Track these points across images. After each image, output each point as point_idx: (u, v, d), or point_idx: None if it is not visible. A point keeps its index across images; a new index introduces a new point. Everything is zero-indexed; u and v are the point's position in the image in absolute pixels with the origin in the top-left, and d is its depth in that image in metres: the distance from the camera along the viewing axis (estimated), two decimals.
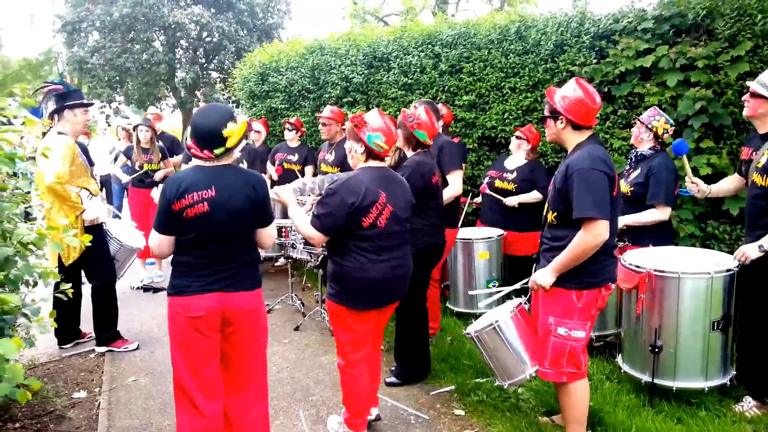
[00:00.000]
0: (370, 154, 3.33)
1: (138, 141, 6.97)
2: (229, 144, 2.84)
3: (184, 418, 2.95)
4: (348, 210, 3.16)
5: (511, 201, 5.32)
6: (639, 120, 4.36)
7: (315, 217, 3.22)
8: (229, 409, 3.03)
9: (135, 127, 7.11)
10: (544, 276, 3.11)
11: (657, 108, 4.45)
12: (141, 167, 6.96)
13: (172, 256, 2.98)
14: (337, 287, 3.32)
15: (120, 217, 6.35)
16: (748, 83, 3.67)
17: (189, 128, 2.94)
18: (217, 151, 2.84)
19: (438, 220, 4.19)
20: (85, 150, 6.26)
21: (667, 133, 4.32)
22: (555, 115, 3.13)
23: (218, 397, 2.97)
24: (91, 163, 6.38)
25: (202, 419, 2.90)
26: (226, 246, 2.89)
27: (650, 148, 4.33)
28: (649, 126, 4.27)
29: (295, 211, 3.46)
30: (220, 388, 2.99)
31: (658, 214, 4.19)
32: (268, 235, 3.10)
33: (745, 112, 3.70)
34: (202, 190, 2.79)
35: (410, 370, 4.30)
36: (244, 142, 7.12)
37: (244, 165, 6.10)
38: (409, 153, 4.15)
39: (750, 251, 3.51)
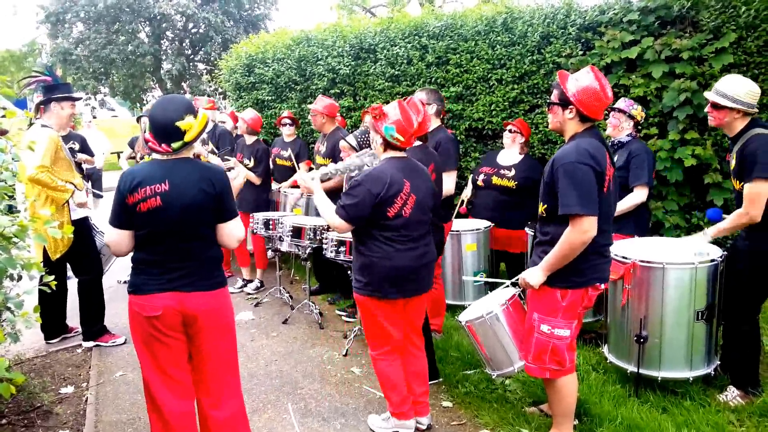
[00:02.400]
0: (389, 144, 3.34)
1: (143, 132, 6.85)
2: (187, 138, 2.74)
3: (153, 417, 2.90)
4: (374, 200, 3.17)
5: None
6: (618, 109, 4.41)
7: (341, 207, 3.22)
8: (202, 408, 2.98)
9: (139, 119, 6.99)
10: (534, 275, 3.06)
11: (626, 98, 4.55)
12: (142, 158, 6.81)
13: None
14: (364, 278, 3.32)
15: (102, 196, 6.27)
16: (706, 94, 3.61)
17: (146, 121, 2.84)
18: (175, 145, 2.73)
19: (437, 217, 4.19)
20: (83, 141, 6.22)
21: (643, 119, 4.48)
22: (565, 103, 2.99)
23: (189, 397, 2.91)
24: (91, 154, 6.34)
25: (168, 419, 2.85)
26: (181, 242, 2.78)
27: (627, 135, 4.42)
28: (630, 113, 4.34)
29: (321, 198, 3.46)
30: (188, 388, 2.91)
31: (638, 196, 4.27)
32: (229, 232, 2.91)
33: (711, 123, 3.64)
34: (155, 183, 2.70)
35: None
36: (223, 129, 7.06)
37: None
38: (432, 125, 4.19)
39: (698, 240, 3.77)
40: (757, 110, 3.51)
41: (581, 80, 2.94)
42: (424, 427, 3.59)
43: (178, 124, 2.69)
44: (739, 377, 3.70)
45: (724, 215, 3.83)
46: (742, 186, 3.45)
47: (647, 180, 4.25)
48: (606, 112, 4.34)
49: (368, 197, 3.17)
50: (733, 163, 3.54)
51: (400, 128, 3.26)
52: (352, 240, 3.56)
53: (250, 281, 6.67)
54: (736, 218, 3.49)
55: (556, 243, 2.93)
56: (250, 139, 6.51)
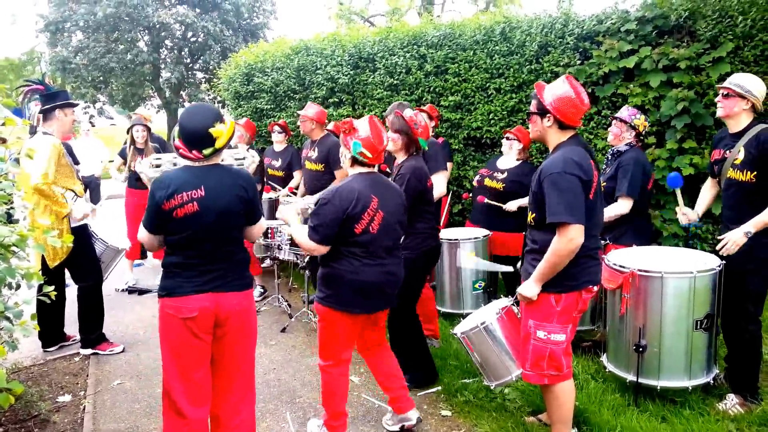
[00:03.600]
0: (356, 160, 3.34)
1: (133, 141, 6.85)
2: (218, 144, 2.84)
3: (169, 424, 2.93)
4: (342, 217, 3.17)
5: (511, 206, 5.18)
6: (619, 118, 4.41)
7: (311, 229, 3.21)
8: (217, 412, 3.02)
9: (130, 128, 6.99)
10: (528, 288, 3.07)
11: (630, 107, 4.54)
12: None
13: (163, 257, 2.97)
14: (328, 290, 3.31)
15: (100, 205, 6.27)
16: (718, 85, 3.72)
17: (176, 128, 2.92)
18: (206, 152, 2.83)
19: (435, 222, 4.20)
20: (70, 151, 6.20)
21: (646, 130, 4.44)
22: (542, 112, 3.07)
23: (205, 403, 2.95)
24: (76, 163, 6.33)
25: (186, 427, 2.88)
26: (216, 246, 2.87)
27: (626, 144, 4.40)
28: (632, 124, 4.34)
29: (296, 228, 3.45)
30: (207, 394, 2.96)
31: (620, 206, 4.25)
32: (256, 231, 3.14)
33: (719, 113, 3.71)
34: (191, 190, 2.78)
35: (416, 376, 4.21)
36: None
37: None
38: (400, 157, 4.12)
39: (738, 238, 3.48)
40: (762, 109, 3.60)
41: (557, 89, 3.04)
42: (413, 422, 3.62)
43: (210, 130, 2.79)
44: (739, 384, 3.71)
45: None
46: (754, 176, 3.50)
47: (630, 190, 4.20)
48: (612, 122, 4.41)
49: (336, 215, 3.16)
50: (740, 156, 3.56)
51: (367, 144, 3.27)
52: None
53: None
54: None
55: (544, 250, 2.98)
56: (242, 148, 6.53)
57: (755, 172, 3.52)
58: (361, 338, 3.60)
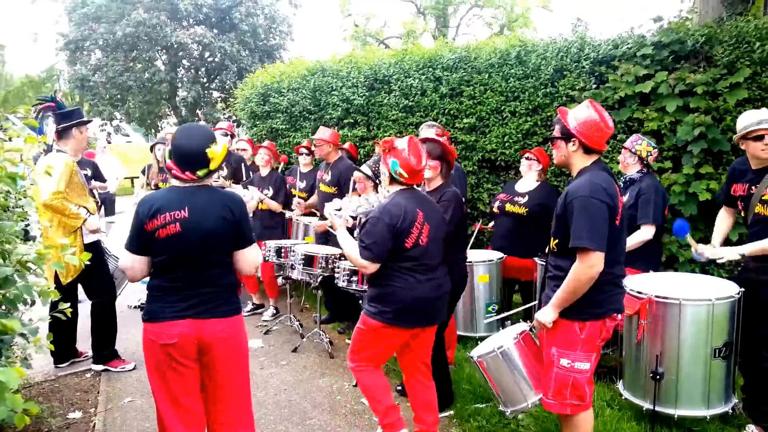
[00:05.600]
0: (393, 179, 3.38)
1: (156, 160, 6.77)
2: (212, 165, 2.79)
3: None
4: (393, 232, 3.20)
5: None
6: (623, 146, 4.45)
7: (364, 248, 3.22)
8: None
9: (153, 146, 7.00)
10: (546, 314, 3.03)
11: (638, 134, 4.55)
12: (156, 186, 6.63)
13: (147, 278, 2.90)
14: (382, 306, 3.31)
15: (114, 222, 6.31)
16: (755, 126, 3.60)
17: (167, 148, 2.87)
18: (200, 173, 2.78)
19: (464, 251, 4.22)
20: (95, 167, 6.27)
21: (651, 155, 4.42)
22: (567, 136, 3.05)
23: (199, 427, 2.88)
24: (103, 180, 6.40)
25: None
26: (199, 269, 2.78)
27: (638, 172, 4.44)
28: (633, 150, 4.36)
29: (347, 242, 3.43)
30: (200, 418, 2.88)
31: (644, 233, 4.26)
32: (247, 259, 2.93)
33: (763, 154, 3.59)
34: (174, 210, 2.71)
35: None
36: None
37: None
38: (436, 182, 4.01)
39: (731, 256, 3.62)
40: None
41: (581, 114, 3.04)
42: None
43: (207, 151, 2.74)
44: (759, 414, 3.63)
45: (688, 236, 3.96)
46: None
47: (653, 218, 4.24)
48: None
49: (387, 231, 3.19)
50: None
51: (404, 165, 3.29)
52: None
53: (261, 305, 6.68)
54: None
55: None
56: (265, 170, 6.54)
57: None
58: (407, 354, 3.57)
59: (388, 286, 3.29)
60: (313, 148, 6.23)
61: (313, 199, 6.47)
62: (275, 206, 6.33)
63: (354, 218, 4.29)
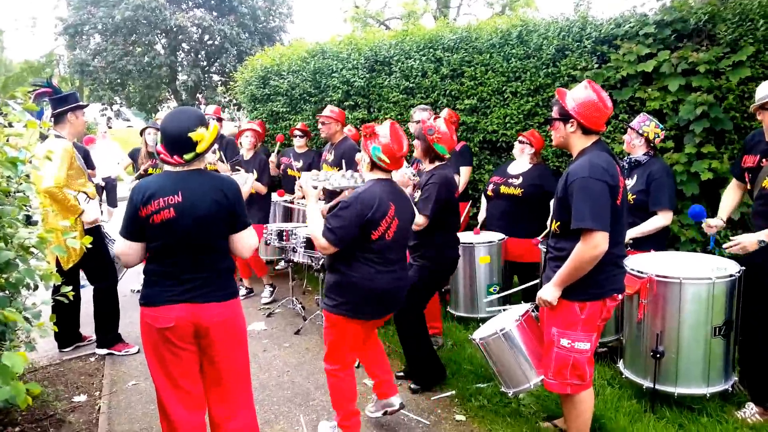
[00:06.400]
0: (375, 165, 3.37)
1: (146, 144, 6.70)
2: (199, 149, 2.76)
3: (164, 427, 2.91)
4: (362, 222, 3.19)
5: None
6: (630, 126, 4.38)
7: (328, 230, 3.19)
8: (214, 420, 2.97)
9: (142, 131, 6.96)
10: (548, 292, 3.04)
11: (645, 114, 4.48)
12: (146, 171, 6.59)
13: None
14: (341, 298, 3.32)
15: (116, 206, 6.31)
16: (759, 94, 3.58)
17: (158, 133, 2.88)
18: (187, 156, 2.75)
19: (456, 233, 4.23)
20: (86, 156, 6.25)
21: (659, 137, 4.36)
22: (565, 117, 3.04)
23: (199, 408, 2.90)
24: (92, 167, 6.37)
25: (179, 431, 2.85)
26: (195, 254, 2.78)
27: (644, 154, 4.36)
28: (640, 131, 4.30)
29: (314, 215, 3.38)
30: (200, 399, 2.90)
31: (662, 219, 4.21)
32: (243, 242, 2.93)
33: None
34: (168, 195, 2.70)
35: (426, 376, 4.28)
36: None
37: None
38: (426, 164, 4.15)
39: (749, 243, 3.47)
40: None
41: (579, 94, 3.02)
42: (396, 407, 3.68)
43: (190, 134, 2.71)
44: (759, 392, 3.65)
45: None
46: None
47: (668, 204, 4.20)
48: (624, 128, 4.36)
49: (355, 218, 3.18)
50: None
51: (386, 150, 3.30)
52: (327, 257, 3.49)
53: (251, 290, 6.80)
54: None
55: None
56: (249, 153, 6.59)
57: None
58: None
59: (347, 275, 3.28)
60: (320, 126, 6.22)
61: None
62: (261, 188, 6.44)
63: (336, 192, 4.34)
